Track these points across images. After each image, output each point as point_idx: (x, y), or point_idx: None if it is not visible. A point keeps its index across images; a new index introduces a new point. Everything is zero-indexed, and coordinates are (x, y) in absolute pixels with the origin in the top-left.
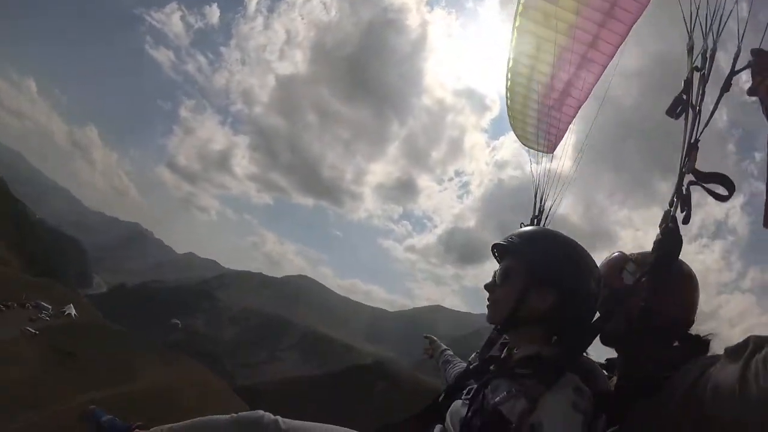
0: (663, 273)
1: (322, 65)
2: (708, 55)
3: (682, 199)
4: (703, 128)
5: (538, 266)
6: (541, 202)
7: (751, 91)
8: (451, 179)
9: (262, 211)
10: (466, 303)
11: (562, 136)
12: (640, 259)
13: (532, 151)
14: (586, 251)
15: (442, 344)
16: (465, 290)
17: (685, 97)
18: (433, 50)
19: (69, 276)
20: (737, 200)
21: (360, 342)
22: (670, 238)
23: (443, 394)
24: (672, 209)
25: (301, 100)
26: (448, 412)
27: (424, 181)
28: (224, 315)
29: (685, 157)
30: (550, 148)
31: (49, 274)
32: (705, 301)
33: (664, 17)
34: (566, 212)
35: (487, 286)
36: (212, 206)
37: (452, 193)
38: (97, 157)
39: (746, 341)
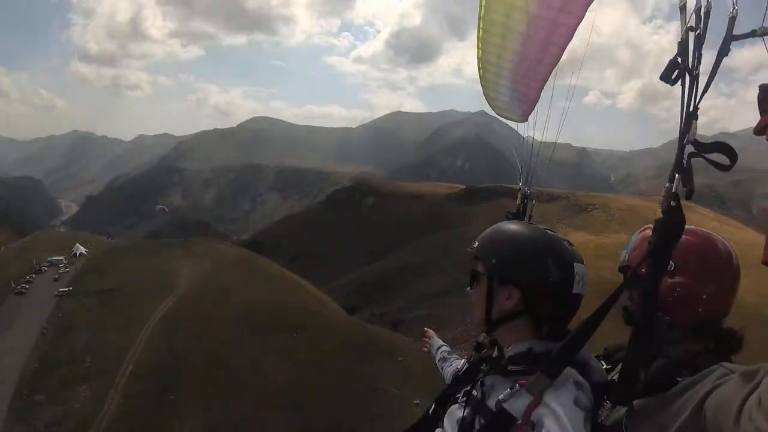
0: (665, 257)
1: None
2: (702, 14)
3: (683, 174)
4: (702, 95)
5: (496, 267)
6: (527, 187)
7: (757, 131)
8: None
9: (195, 65)
10: (424, 103)
11: (535, 103)
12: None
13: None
14: (545, 237)
15: (439, 340)
16: (421, 91)
17: (680, 60)
18: None
19: (38, 214)
20: None
21: (333, 165)
22: (672, 218)
23: (434, 405)
24: (674, 185)
25: None
26: (445, 416)
27: None
28: (196, 182)
29: (684, 127)
30: (525, 116)
31: (19, 224)
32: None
33: None
34: None
35: (467, 293)
36: (142, 80)
37: None
38: (8, 87)
39: (756, 370)
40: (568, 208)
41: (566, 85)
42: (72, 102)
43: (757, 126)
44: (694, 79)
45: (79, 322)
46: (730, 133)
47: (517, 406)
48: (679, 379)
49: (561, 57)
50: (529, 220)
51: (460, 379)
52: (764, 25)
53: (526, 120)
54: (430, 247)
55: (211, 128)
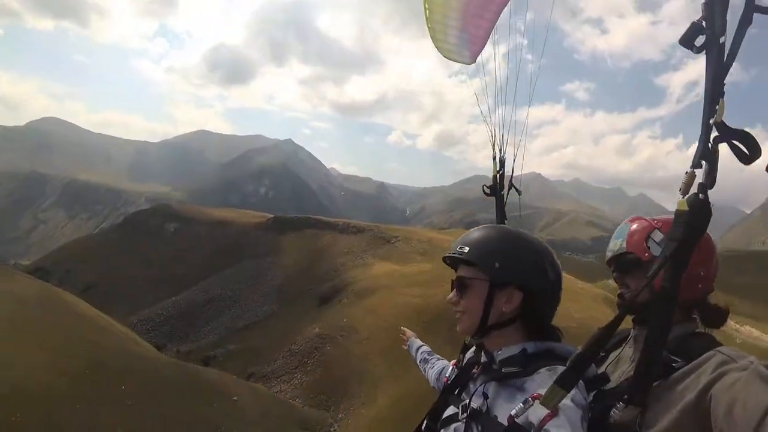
0: (689, 253)
1: None
2: None
3: (709, 160)
4: (728, 68)
5: (497, 270)
6: (501, 152)
7: None
8: None
9: None
10: (231, 125)
11: (485, 44)
12: (666, 228)
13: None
14: (534, 239)
15: (417, 340)
16: (229, 111)
17: (705, 24)
18: None
19: None
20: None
21: (127, 181)
22: (701, 214)
23: (427, 418)
24: (703, 175)
25: None
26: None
27: None
28: None
29: (709, 106)
30: (473, 58)
31: None
32: (457, 127)
33: None
34: (339, 36)
35: (450, 300)
36: None
37: (219, 3)
38: None
39: None
40: (374, 240)
41: (375, 123)
42: None
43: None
44: (721, 49)
45: None
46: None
47: (532, 419)
48: (674, 365)
49: None
50: (507, 191)
51: (450, 388)
52: None
53: (474, 61)
54: (238, 277)
55: None
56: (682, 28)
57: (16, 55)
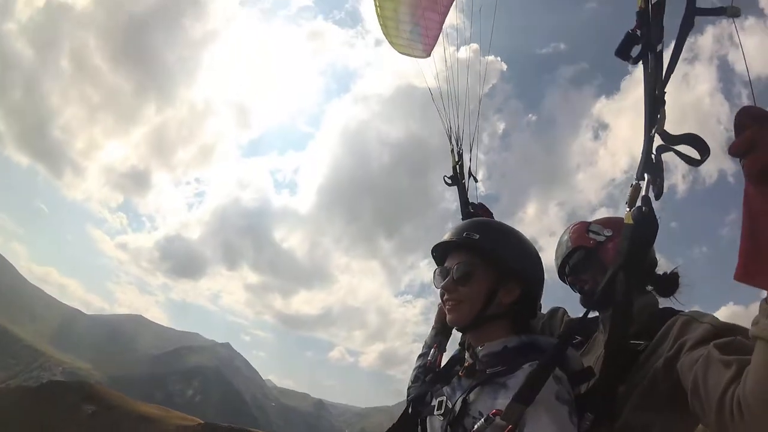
0: (637, 266)
1: (103, 10)
2: None
3: (652, 170)
4: (669, 76)
5: (504, 261)
6: (458, 144)
7: (733, 153)
8: (188, 183)
9: None
10: (169, 317)
11: (437, 37)
12: (602, 221)
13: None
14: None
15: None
16: (171, 303)
17: (640, 33)
18: (223, 49)
19: None
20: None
21: (48, 345)
22: (645, 225)
23: (409, 409)
24: (643, 186)
25: (63, 38)
26: (428, 425)
27: (161, 177)
28: None
29: (650, 116)
30: (427, 51)
31: None
32: (402, 346)
33: None
34: (291, 248)
35: (445, 287)
36: None
37: (185, 198)
38: None
39: (730, 341)
40: None
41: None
42: None
43: (733, 146)
44: (658, 57)
45: None
46: None
47: (511, 413)
48: (639, 349)
49: None
50: (468, 180)
51: (436, 378)
52: (734, 4)
53: (429, 55)
54: None
55: None
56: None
57: None
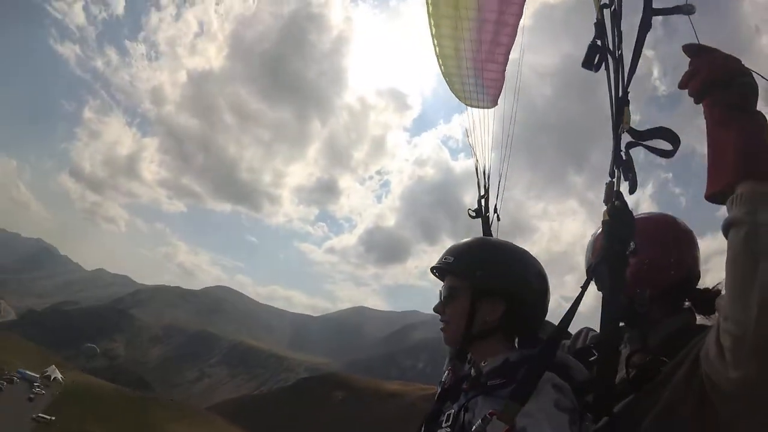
0: (621, 260)
1: (239, 61)
2: None
3: (623, 167)
4: (630, 77)
5: (480, 279)
6: (486, 179)
7: (679, 86)
8: (371, 178)
9: (174, 219)
10: (387, 302)
11: (501, 85)
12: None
13: (470, 132)
14: (520, 249)
15: None
16: (385, 289)
17: (600, 43)
18: (355, 48)
19: None
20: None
21: (287, 350)
22: (619, 220)
23: (423, 424)
24: (615, 181)
25: (216, 99)
26: None
27: (345, 181)
28: (145, 334)
29: (616, 116)
30: (494, 101)
31: None
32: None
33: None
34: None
35: (436, 309)
36: (120, 216)
37: (373, 192)
38: None
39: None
40: None
41: None
42: (47, 210)
43: (680, 82)
44: (619, 61)
45: None
46: None
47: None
48: (662, 368)
49: (515, 35)
50: (493, 215)
51: (444, 396)
52: (690, 2)
53: (497, 104)
54: None
55: (173, 285)
56: None
57: (195, 230)
